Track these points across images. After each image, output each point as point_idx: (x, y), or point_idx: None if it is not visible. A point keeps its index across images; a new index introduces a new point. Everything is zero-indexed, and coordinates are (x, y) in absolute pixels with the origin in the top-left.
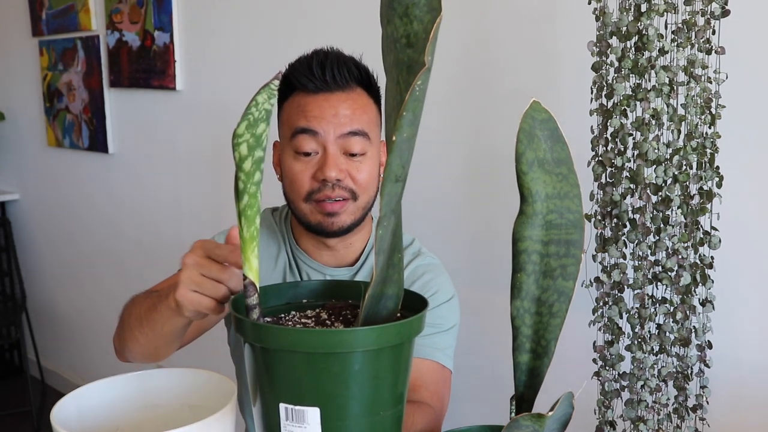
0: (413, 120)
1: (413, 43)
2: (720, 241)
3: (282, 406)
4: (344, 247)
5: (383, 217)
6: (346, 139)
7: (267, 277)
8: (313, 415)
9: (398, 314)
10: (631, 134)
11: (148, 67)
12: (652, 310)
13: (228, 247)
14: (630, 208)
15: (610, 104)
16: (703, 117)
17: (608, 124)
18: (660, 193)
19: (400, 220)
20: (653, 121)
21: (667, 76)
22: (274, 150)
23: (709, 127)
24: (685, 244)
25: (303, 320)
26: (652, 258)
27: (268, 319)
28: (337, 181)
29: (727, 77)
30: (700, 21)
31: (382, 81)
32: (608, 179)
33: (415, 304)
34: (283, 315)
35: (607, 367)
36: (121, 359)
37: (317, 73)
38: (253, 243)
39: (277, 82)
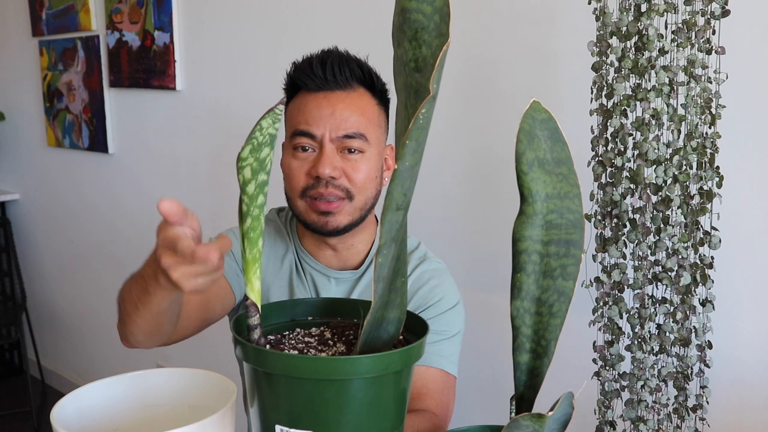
0: (416, 148)
1: (421, 68)
2: (720, 241)
3: (278, 427)
4: (346, 249)
5: (383, 246)
6: (343, 140)
7: (273, 277)
8: None
9: (400, 336)
10: (631, 134)
11: (148, 67)
12: (652, 310)
13: (184, 247)
14: (630, 208)
15: (610, 104)
16: (703, 117)
17: (608, 124)
18: (660, 193)
19: (404, 246)
20: (653, 121)
21: (667, 76)
22: (283, 150)
23: (709, 127)
24: (685, 244)
25: (306, 339)
26: (652, 258)
27: (272, 337)
28: (332, 179)
29: (727, 77)
30: (700, 21)
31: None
32: (608, 179)
33: (416, 325)
34: (287, 332)
35: (607, 367)
36: (127, 345)
37: (318, 72)
38: (255, 265)
39: (281, 107)
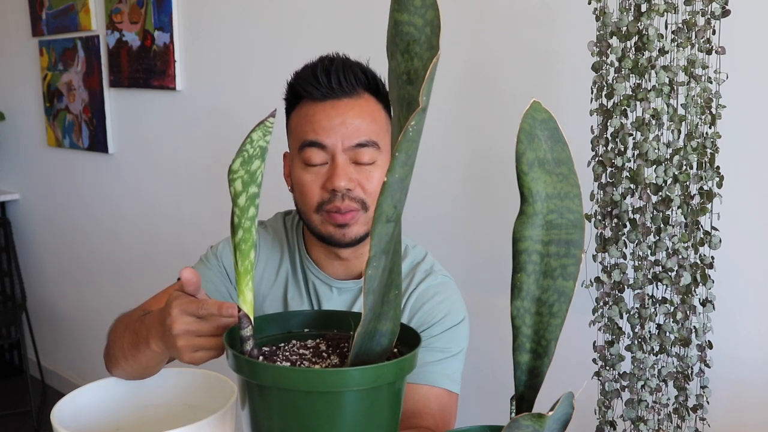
0: (406, 160)
1: (413, 80)
2: (720, 241)
3: None
4: (355, 258)
5: (372, 258)
6: (355, 150)
7: (268, 290)
8: None
9: (395, 349)
10: (631, 134)
11: (148, 67)
12: (653, 310)
13: (209, 305)
14: (630, 208)
15: (610, 104)
16: (703, 117)
17: (608, 124)
18: (660, 193)
19: (397, 258)
20: (653, 121)
21: (667, 76)
22: (285, 161)
23: (710, 127)
24: (686, 244)
25: (301, 351)
26: (652, 258)
27: (266, 348)
28: (347, 191)
29: (727, 77)
30: (700, 21)
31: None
32: (608, 179)
33: (410, 337)
34: (283, 344)
35: (607, 367)
36: (110, 374)
37: (323, 80)
38: (247, 276)
39: (272, 120)
